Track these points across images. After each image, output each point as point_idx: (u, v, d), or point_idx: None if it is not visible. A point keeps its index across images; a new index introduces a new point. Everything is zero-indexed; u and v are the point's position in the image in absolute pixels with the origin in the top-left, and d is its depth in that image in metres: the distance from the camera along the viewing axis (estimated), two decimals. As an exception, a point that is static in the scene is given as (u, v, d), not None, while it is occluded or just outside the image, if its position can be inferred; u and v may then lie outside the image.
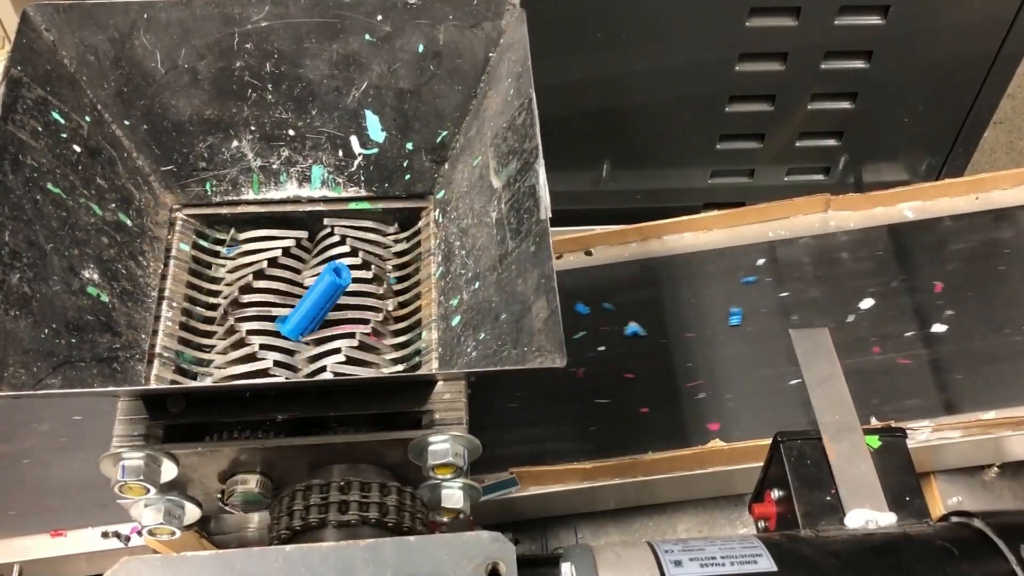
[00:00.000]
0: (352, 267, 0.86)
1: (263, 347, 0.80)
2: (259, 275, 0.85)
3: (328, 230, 0.89)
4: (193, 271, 0.86)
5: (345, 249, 0.87)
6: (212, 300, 0.86)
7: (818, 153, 1.33)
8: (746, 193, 1.36)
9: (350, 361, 0.80)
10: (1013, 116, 1.94)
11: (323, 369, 0.80)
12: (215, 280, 0.87)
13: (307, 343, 0.81)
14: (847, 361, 1.08)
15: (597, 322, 1.15)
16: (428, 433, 0.74)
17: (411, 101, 0.88)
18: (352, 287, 0.84)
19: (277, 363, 0.79)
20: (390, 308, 0.85)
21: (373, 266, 0.87)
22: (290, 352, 0.81)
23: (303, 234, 0.89)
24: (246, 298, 0.84)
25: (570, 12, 1.14)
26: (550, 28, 1.12)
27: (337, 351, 0.81)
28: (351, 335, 0.82)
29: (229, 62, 0.86)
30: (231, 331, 0.82)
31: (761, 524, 0.81)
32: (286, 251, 0.88)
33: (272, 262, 0.86)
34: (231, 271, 0.87)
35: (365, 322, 0.83)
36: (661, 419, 1.07)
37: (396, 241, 0.91)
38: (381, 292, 0.86)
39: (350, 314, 0.83)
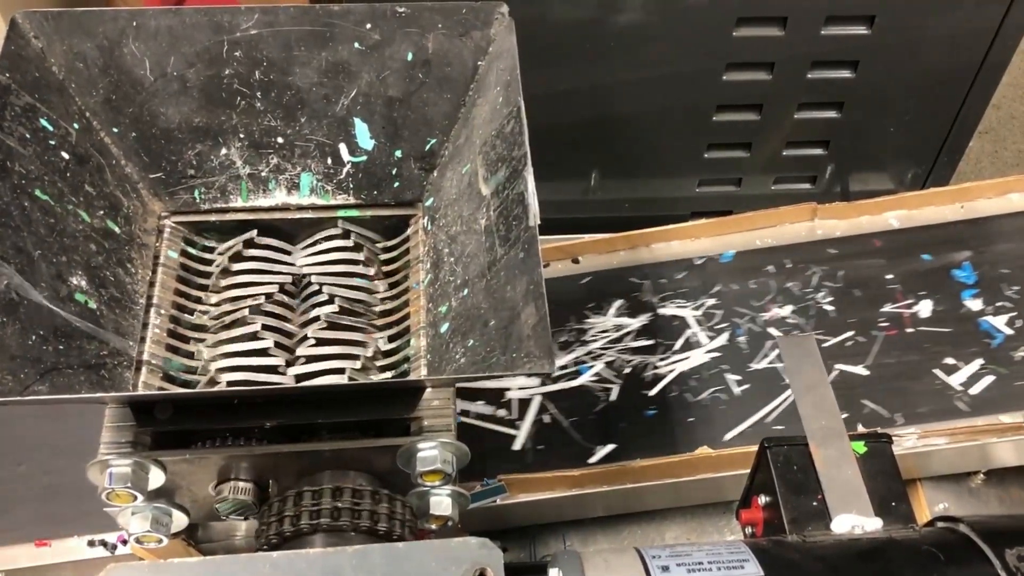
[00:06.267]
0: (355, 262, 0.87)
1: (265, 327, 0.81)
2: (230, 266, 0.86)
3: (306, 279, 0.87)
4: (181, 279, 0.86)
5: (349, 243, 0.88)
6: (200, 307, 0.85)
7: (805, 162, 1.34)
8: (733, 202, 1.37)
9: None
10: (998, 126, 1.96)
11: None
12: (203, 288, 0.87)
13: (306, 359, 0.82)
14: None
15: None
16: (416, 440, 0.73)
17: (400, 109, 0.88)
18: (354, 295, 0.85)
19: (278, 344, 0.80)
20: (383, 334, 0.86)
21: (375, 265, 0.87)
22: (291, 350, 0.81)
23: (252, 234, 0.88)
24: (269, 307, 0.84)
25: (559, 22, 1.15)
26: (539, 38, 1.13)
27: (341, 371, 0.81)
28: (355, 357, 0.81)
29: (218, 70, 0.86)
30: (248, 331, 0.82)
31: (748, 530, 0.82)
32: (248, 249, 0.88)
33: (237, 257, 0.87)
34: (224, 276, 0.87)
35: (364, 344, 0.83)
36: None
37: (385, 249, 0.91)
38: (381, 294, 0.87)
39: (352, 321, 0.84)
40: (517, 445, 1.07)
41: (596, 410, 1.10)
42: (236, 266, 0.87)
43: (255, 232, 0.88)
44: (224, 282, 0.86)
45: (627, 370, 1.13)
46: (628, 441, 1.06)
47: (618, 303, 1.18)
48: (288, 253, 0.88)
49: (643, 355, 1.14)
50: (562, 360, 1.14)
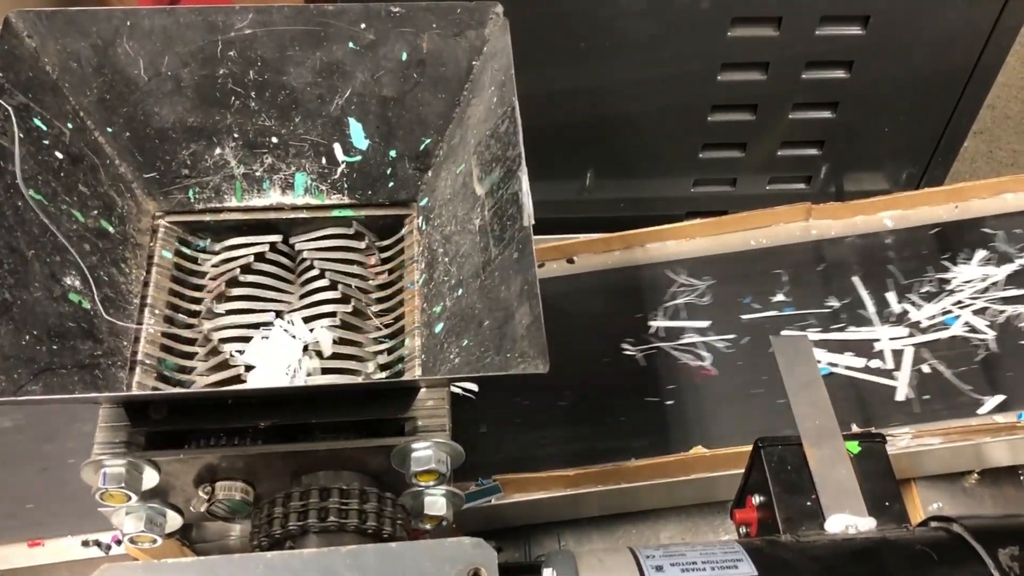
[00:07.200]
0: (334, 301, 0.85)
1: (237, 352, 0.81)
2: (232, 283, 0.85)
3: (308, 263, 0.88)
4: (175, 278, 0.86)
5: (325, 283, 0.87)
6: (194, 308, 0.86)
7: (799, 162, 1.34)
8: (728, 202, 1.37)
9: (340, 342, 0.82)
10: (992, 126, 1.96)
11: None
12: (197, 288, 0.87)
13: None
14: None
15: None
16: (411, 440, 0.74)
17: (394, 109, 0.88)
18: (354, 283, 0.86)
19: (248, 367, 0.80)
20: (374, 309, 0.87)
21: (353, 299, 0.86)
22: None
23: (277, 238, 0.89)
24: (220, 307, 0.84)
25: (553, 22, 1.15)
26: (534, 38, 1.13)
27: (332, 315, 0.82)
28: (332, 315, 0.83)
29: (212, 69, 0.86)
30: (207, 340, 0.82)
31: (742, 530, 0.82)
32: (260, 256, 0.88)
33: (246, 268, 0.86)
34: (212, 279, 0.87)
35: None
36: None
37: (380, 249, 0.91)
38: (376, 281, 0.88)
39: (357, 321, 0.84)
40: (900, 396, 1.06)
41: (977, 360, 1.09)
42: (221, 244, 0.87)
43: (279, 237, 0.88)
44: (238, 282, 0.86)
45: (1000, 320, 1.12)
46: (1019, 391, 1.05)
47: (981, 253, 1.18)
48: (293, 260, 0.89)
49: (1015, 304, 1.13)
50: (929, 310, 1.13)
